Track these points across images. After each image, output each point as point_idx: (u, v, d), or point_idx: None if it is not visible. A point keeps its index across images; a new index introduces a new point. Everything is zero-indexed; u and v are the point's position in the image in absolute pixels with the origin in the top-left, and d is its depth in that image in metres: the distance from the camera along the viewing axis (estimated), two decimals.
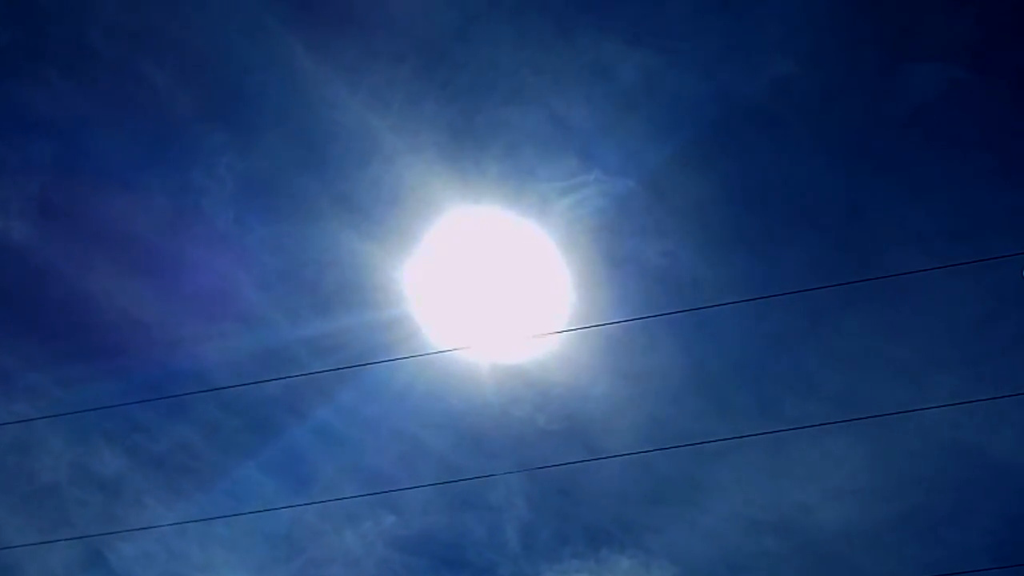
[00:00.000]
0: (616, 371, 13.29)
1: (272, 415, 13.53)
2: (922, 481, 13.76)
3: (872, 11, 10.45)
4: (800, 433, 13.89)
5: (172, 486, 14.11)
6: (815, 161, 11.24)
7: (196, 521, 13.93)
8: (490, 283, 12.25)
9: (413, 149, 11.55)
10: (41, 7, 10.95)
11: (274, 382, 13.25)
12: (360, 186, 11.92)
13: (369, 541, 14.35)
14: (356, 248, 12.24)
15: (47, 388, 12.82)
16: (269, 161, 11.81)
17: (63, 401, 13.30)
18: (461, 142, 11.64)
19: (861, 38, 10.54)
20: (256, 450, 13.93)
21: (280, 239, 12.33)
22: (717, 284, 12.74)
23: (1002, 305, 12.23)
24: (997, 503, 13.40)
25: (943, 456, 13.51)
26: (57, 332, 12.98)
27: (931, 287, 12.35)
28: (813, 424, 12.59)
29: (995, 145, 10.95)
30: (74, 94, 11.37)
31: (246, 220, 12.14)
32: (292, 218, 12.19)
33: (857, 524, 14.18)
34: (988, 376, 12.37)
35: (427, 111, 11.55)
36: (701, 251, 12.48)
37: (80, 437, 13.62)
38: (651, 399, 13.32)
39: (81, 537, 13.83)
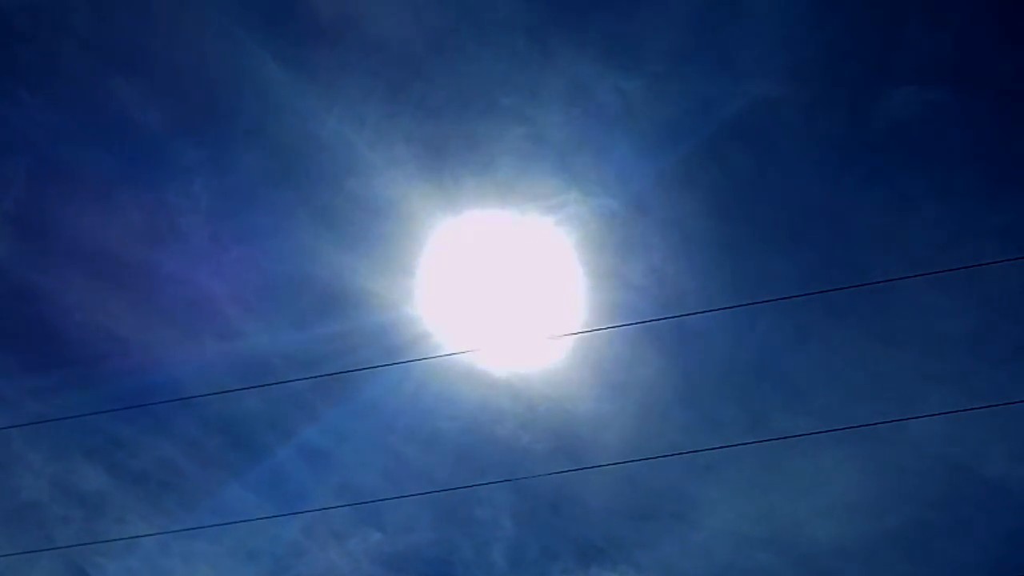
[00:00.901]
0: (603, 384, 13.27)
1: (254, 433, 13.54)
2: (915, 496, 13.75)
3: (851, 32, 10.43)
4: (791, 447, 13.88)
5: (155, 502, 14.13)
6: (797, 178, 11.21)
7: (182, 530, 13.95)
8: (473, 294, 12.23)
9: (390, 163, 11.54)
10: (12, 25, 10.99)
11: (255, 399, 13.29)
12: (338, 200, 11.90)
13: (355, 558, 14.38)
14: (333, 260, 12.25)
15: (20, 400, 12.91)
16: (245, 176, 11.77)
17: (41, 414, 13.36)
18: (438, 157, 11.61)
19: (841, 58, 10.51)
20: (240, 468, 13.95)
21: (256, 253, 12.29)
22: (704, 296, 12.69)
23: (992, 318, 12.16)
24: (991, 518, 13.40)
25: (936, 471, 13.53)
26: (34, 347, 13.03)
27: (920, 301, 12.32)
28: (809, 432, 12.50)
29: (977, 160, 10.91)
30: (47, 111, 11.41)
31: (222, 235, 12.11)
32: (269, 232, 12.16)
33: (850, 539, 14.19)
34: (980, 390, 12.31)
35: (403, 125, 11.54)
36: (686, 265, 12.41)
37: (60, 453, 13.67)
38: (638, 413, 13.28)
39: (64, 547, 13.88)
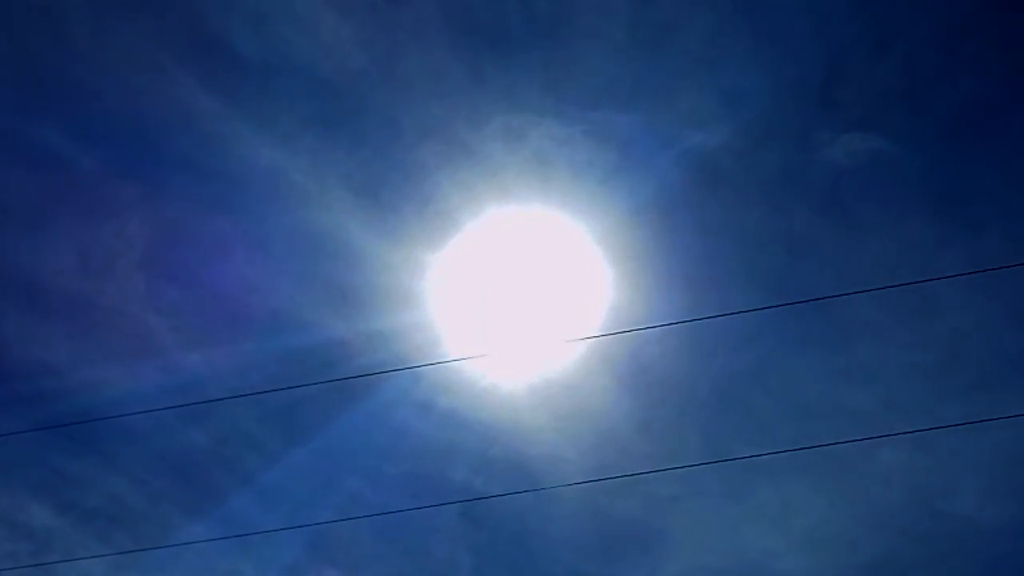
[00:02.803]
0: (558, 415, 13.23)
1: (203, 470, 13.61)
2: (888, 528, 13.64)
3: (789, 81, 10.46)
4: (757, 479, 13.80)
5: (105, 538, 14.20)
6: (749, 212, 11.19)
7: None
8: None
9: (325, 192, 11.55)
10: None
11: (201, 436, 13.32)
12: (273, 229, 11.92)
13: None
14: (270, 290, 12.29)
15: None
16: (180, 208, 11.82)
17: None
18: (374, 182, 11.60)
19: (781, 111, 10.51)
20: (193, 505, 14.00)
21: (194, 284, 12.34)
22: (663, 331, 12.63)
23: (955, 350, 12.07)
24: (965, 551, 13.26)
25: (907, 503, 13.42)
26: None
27: (883, 333, 12.23)
28: (779, 451, 12.43)
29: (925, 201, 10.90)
30: None
31: (159, 267, 12.18)
32: (206, 262, 12.19)
33: (823, 572, 14.07)
34: (946, 420, 12.19)
35: (339, 155, 11.54)
36: (641, 296, 12.36)
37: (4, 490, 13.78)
38: (594, 443, 13.23)
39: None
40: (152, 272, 12.50)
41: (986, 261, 11.28)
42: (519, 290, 12.11)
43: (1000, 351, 12.21)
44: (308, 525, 13.55)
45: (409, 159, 11.57)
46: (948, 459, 12.89)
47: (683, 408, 13.14)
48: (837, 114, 10.54)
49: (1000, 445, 12.77)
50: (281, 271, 12.18)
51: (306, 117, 11.47)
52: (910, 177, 10.87)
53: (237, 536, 13.53)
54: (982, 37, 10.34)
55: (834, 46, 10.36)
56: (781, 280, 12.10)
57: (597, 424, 13.23)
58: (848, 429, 12.80)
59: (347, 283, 12.28)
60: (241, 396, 12.56)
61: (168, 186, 11.96)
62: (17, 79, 11.03)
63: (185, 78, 11.26)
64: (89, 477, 14.10)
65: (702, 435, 13.13)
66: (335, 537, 13.93)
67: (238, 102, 11.41)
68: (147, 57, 11.13)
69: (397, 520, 13.90)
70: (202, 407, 13.16)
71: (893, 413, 12.59)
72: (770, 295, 12.28)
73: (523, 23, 10.54)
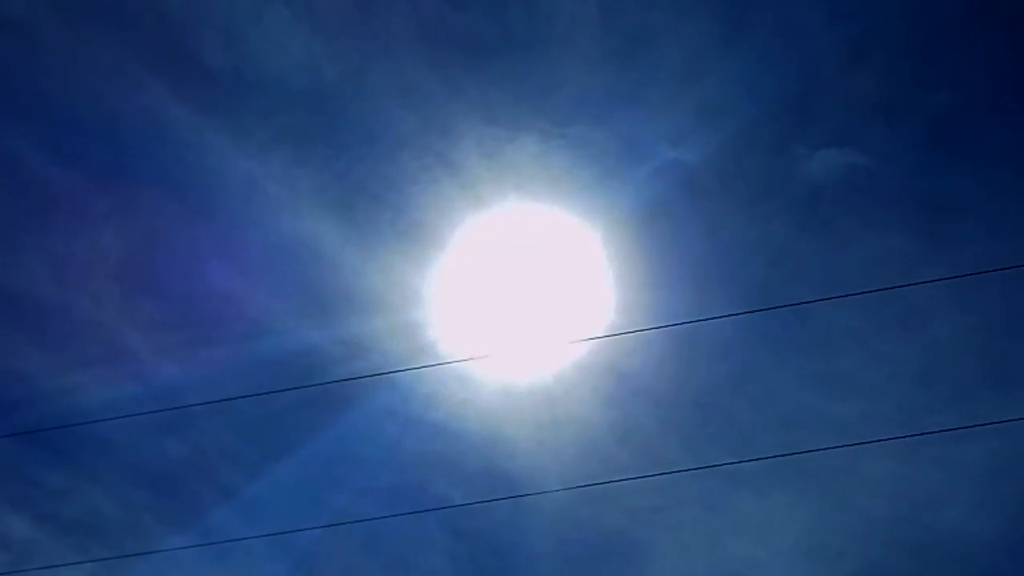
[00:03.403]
0: (537, 426, 13.23)
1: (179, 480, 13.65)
2: (872, 539, 13.65)
3: (765, 97, 10.48)
4: (740, 490, 13.81)
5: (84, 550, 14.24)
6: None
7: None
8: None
9: (299, 201, 11.58)
10: None
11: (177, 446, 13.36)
12: (248, 239, 11.95)
13: None
14: (247, 300, 12.31)
15: None
16: (153, 219, 11.85)
17: None
18: (349, 192, 11.64)
19: (757, 124, 10.53)
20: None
21: (169, 294, 12.38)
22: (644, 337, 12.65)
23: (938, 361, 12.09)
24: (948, 561, 13.29)
25: (892, 514, 13.41)
26: None
27: (866, 344, 12.24)
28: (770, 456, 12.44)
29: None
30: None
31: (134, 279, 12.21)
32: (182, 273, 12.23)
33: None
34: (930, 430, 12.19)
35: (313, 163, 11.56)
36: (624, 304, 12.39)
37: None
38: (575, 454, 13.24)
39: None
40: (128, 282, 12.51)
41: (967, 270, 11.27)
42: (496, 300, 12.11)
43: (983, 361, 12.21)
44: (285, 532, 13.56)
45: (383, 169, 11.57)
46: (933, 470, 12.91)
47: (664, 418, 13.14)
48: (814, 128, 10.55)
49: (984, 456, 12.77)
50: (256, 280, 12.19)
51: (280, 128, 11.47)
52: (889, 188, 10.88)
53: (212, 543, 13.55)
54: (958, 48, 10.34)
55: (810, 58, 10.35)
56: (762, 290, 12.10)
57: (577, 435, 13.24)
58: (830, 439, 12.79)
59: (322, 292, 12.32)
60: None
61: (142, 196, 11.98)
62: None
63: (158, 89, 11.30)
64: (67, 488, 14.12)
65: (684, 445, 13.16)
66: (314, 548, 13.95)
67: (211, 113, 11.43)
68: (119, 68, 11.15)
69: (378, 533, 13.93)
70: (181, 418, 13.19)
71: (876, 423, 12.59)
72: (751, 305, 12.28)
73: (497, 35, 10.55)
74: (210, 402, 12.58)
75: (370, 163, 11.61)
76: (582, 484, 13.22)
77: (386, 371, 12.58)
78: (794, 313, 12.30)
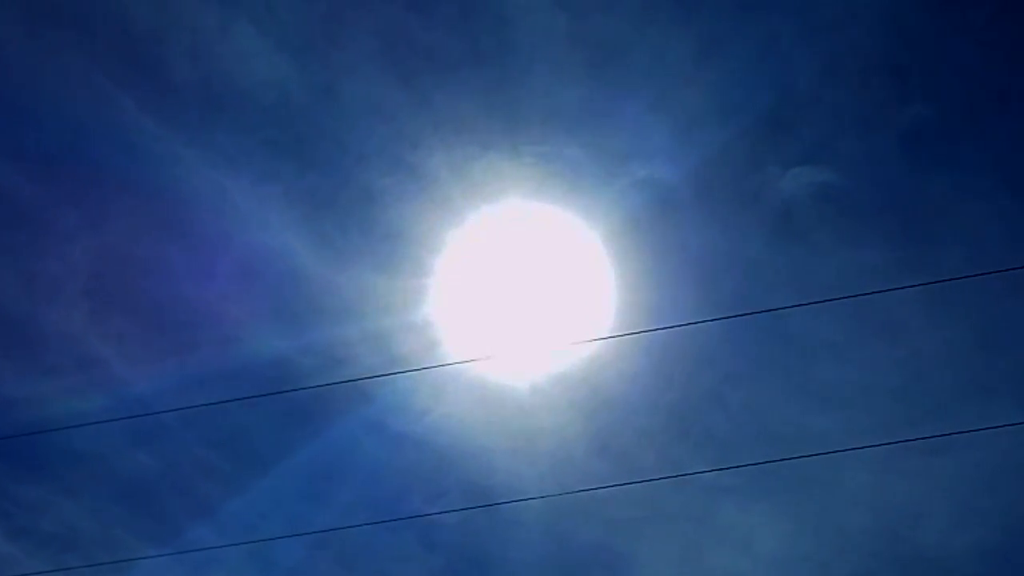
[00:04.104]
0: (514, 438, 13.29)
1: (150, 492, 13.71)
2: (854, 551, 13.69)
3: (738, 112, 10.52)
4: (721, 502, 13.86)
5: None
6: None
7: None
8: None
9: (270, 212, 11.62)
10: None
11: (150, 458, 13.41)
12: (218, 252, 11.98)
13: None
14: (220, 314, 12.36)
15: None
16: (123, 232, 11.89)
17: None
18: (319, 205, 11.67)
19: (730, 140, 10.57)
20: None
21: (140, 308, 12.43)
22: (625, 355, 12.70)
23: (918, 372, 12.12)
24: (930, 571, 13.33)
25: (873, 526, 13.46)
26: None
27: (844, 356, 12.27)
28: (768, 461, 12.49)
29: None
30: None
31: (102, 289, 12.26)
32: (151, 288, 12.27)
33: None
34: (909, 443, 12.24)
35: (284, 176, 11.60)
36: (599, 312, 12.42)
37: None
38: (552, 466, 13.28)
39: None
40: (98, 294, 12.56)
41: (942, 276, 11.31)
42: (467, 312, 12.16)
43: (962, 372, 12.24)
44: (257, 541, 13.61)
45: (353, 182, 11.62)
46: (914, 481, 12.93)
47: (642, 430, 13.17)
48: (788, 145, 10.59)
49: (966, 467, 12.80)
50: (225, 291, 12.22)
51: (249, 140, 11.52)
52: (864, 202, 10.90)
53: (186, 551, 13.62)
54: (931, 61, 10.36)
55: (783, 72, 10.38)
56: (739, 302, 12.13)
57: (554, 447, 13.26)
58: (810, 451, 12.81)
59: (292, 303, 12.35)
60: (226, 402, 12.60)
61: (111, 207, 12.02)
62: None
63: (125, 102, 11.32)
64: (42, 502, 14.18)
65: (662, 457, 13.19)
66: (290, 563, 14.00)
67: (179, 126, 11.47)
68: (85, 80, 11.17)
69: (354, 546, 13.97)
70: (153, 431, 13.25)
71: (856, 435, 12.61)
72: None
73: (466, 48, 10.58)
74: (196, 406, 12.62)
75: (340, 176, 11.63)
76: (558, 493, 13.25)
77: (358, 378, 12.60)
78: (773, 326, 12.33)
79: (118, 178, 11.96)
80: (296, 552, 13.90)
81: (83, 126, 11.48)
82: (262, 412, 12.78)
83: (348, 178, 11.66)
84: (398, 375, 12.76)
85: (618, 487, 13.62)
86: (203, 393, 12.69)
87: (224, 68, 10.91)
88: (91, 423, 12.90)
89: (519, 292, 12.20)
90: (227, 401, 12.45)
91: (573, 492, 13.20)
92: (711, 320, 11.76)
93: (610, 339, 12.34)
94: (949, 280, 10.96)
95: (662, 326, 12.20)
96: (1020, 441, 12.37)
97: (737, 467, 12.71)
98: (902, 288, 11.03)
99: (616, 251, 11.86)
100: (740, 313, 11.71)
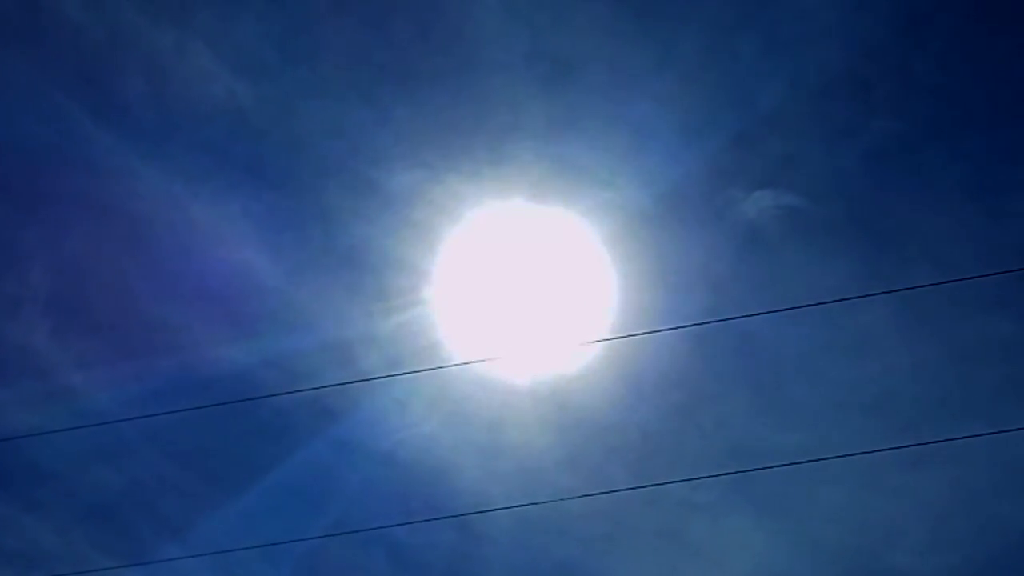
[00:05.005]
0: (481, 453, 13.34)
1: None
2: (828, 567, 13.73)
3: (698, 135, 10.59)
4: (693, 518, 13.90)
5: None
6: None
7: None
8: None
9: (228, 226, 11.68)
10: None
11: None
12: (178, 265, 12.06)
13: None
14: (181, 327, 12.43)
15: None
16: (81, 248, 11.94)
17: None
18: (281, 223, 11.72)
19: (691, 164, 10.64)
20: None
21: (102, 325, 12.48)
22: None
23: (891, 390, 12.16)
24: None
25: (848, 543, 13.50)
26: None
27: (816, 374, 12.32)
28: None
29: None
30: None
31: (60, 308, 12.32)
32: (113, 306, 12.33)
33: None
34: (882, 458, 12.28)
35: (242, 190, 11.66)
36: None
37: None
38: (522, 482, 13.33)
39: None
40: (55, 309, 12.62)
41: (915, 295, 11.35)
42: (428, 324, 12.24)
43: (934, 389, 12.28)
44: (218, 552, 13.65)
45: (314, 198, 11.68)
46: (889, 499, 12.98)
47: (613, 447, 13.21)
48: (750, 165, 10.65)
49: (941, 485, 12.84)
50: (183, 305, 12.30)
51: (207, 158, 11.58)
52: (830, 220, 10.96)
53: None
54: (894, 75, 10.40)
55: (745, 87, 10.42)
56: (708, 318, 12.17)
57: (523, 463, 13.30)
58: (782, 468, 12.84)
59: (251, 318, 12.40)
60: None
61: (67, 221, 12.08)
62: None
63: (79, 116, 11.36)
64: (5, 518, 14.25)
65: (632, 474, 13.22)
66: None
67: (136, 141, 11.53)
68: (39, 95, 11.23)
69: (322, 565, 14.02)
70: (112, 443, 13.32)
71: (829, 452, 12.63)
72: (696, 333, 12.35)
73: (424, 64, 10.64)
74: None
75: (299, 192, 11.68)
76: (524, 503, 13.29)
77: (319, 386, 12.64)
78: (742, 344, 12.39)
79: (75, 193, 12.01)
80: (262, 571, 13.94)
81: (38, 140, 11.53)
82: (225, 429, 12.83)
83: (307, 194, 11.69)
84: (365, 387, 12.77)
85: (590, 503, 13.69)
86: (159, 404, 12.76)
87: (180, 88, 10.98)
88: (46, 433, 12.90)
89: (476, 306, 12.25)
90: (186, 410, 12.47)
91: (541, 503, 13.20)
92: (675, 328, 11.78)
93: (583, 348, 12.36)
94: (915, 288, 10.98)
95: (626, 334, 12.25)
96: (995, 458, 12.41)
97: (708, 477, 12.71)
98: (869, 296, 11.03)
99: (581, 267, 11.90)
100: (706, 321, 11.76)
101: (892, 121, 10.60)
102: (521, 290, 12.36)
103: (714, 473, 13.04)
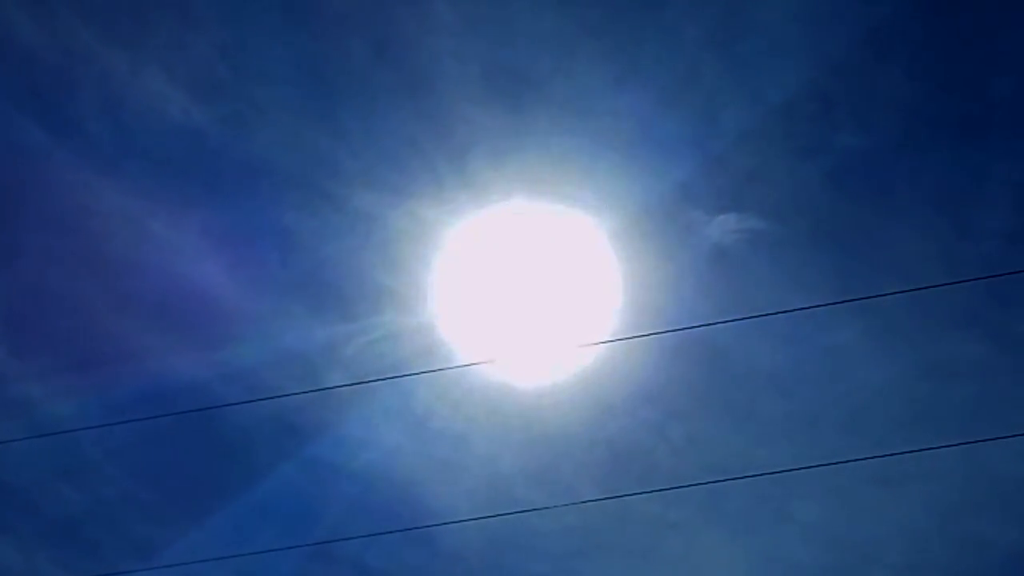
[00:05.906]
0: (446, 466, 13.39)
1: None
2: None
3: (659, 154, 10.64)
4: (666, 531, 13.95)
5: None
6: None
7: None
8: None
9: (184, 241, 11.74)
10: None
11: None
12: (136, 281, 12.10)
13: None
14: (137, 343, 12.47)
15: None
16: (35, 266, 11.99)
17: None
18: (239, 241, 11.75)
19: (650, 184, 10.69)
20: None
21: (59, 343, 12.51)
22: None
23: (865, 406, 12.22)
24: None
25: (823, 559, 13.54)
26: None
27: (788, 391, 12.37)
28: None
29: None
30: None
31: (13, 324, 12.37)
32: (71, 326, 12.39)
33: None
34: (860, 474, 12.34)
35: (199, 203, 11.68)
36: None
37: None
38: (488, 496, 13.38)
39: None
40: (11, 324, 12.66)
41: (886, 311, 11.40)
42: (390, 338, 12.28)
43: (906, 405, 12.33)
44: (181, 564, 13.70)
45: (272, 213, 11.71)
46: (865, 515, 13.01)
47: (582, 462, 13.24)
48: (713, 185, 10.69)
49: (916, 501, 12.89)
50: (141, 317, 12.35)
51: (163, 174, 11.60)
52: (795, 238, 11.00)
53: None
54: (858, 89, 10.42)
55: (707, 103, 10.45)
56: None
57: (490, 477, 13.35)
58: (756, 485, 12.90)
59: (210, 333, 12.45)
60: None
61: (21, 238, 12.11)
62: None
63: (31, 128, 11.39)
64: None
65: (602, 490, 13.26)
66: None
67: (89, 156, 11.54)
68: None
69: None
70: (77, 463, 13.37)
71: (801, 469, 12.66)
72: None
73: (381, 80, 10.68)
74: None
75: (257, 207, 11.71)
76: (491, 515, 13.32)
77: (281, 394, 12.68)
78: (714, 360, 12.44)
79: (28, 208, 12.03)
80: None
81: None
82: (185, 446, 12.89)
83: (265, 210, 11.72)
84: (330, 400, 12.83)
85: (560, 518, 13.73)
86: (119, 414, 12.83)
87: (136, 108, 11.03)
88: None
89: (438, 322, 12.30)
90: (144, 419, 12.53)
91: (507, 514, 13.23)
92: (649, 335, 11.83)
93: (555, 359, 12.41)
94: (883, 295, 11.03)
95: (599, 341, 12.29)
96: (968, 475, 12.47)
97: (683, 487, 12.76)
98: (837, 303, 11.08)
99: (545, 283, 11.95)
100: (676, 327, 11.81)
101: (857, 137, 10.61)
102: (483, 305, 12.39)
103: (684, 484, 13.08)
